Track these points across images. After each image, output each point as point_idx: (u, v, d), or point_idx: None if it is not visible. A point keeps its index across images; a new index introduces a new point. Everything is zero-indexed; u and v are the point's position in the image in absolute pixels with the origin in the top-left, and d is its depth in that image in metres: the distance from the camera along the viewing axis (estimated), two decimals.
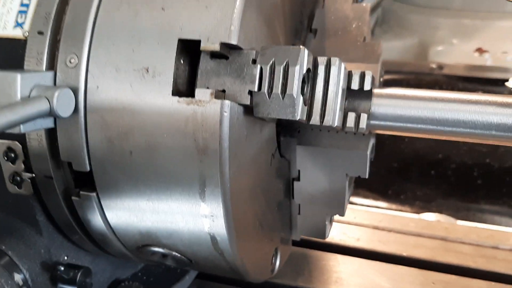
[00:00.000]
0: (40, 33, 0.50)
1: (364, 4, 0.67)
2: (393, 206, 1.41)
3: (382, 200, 1.44)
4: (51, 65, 0.49)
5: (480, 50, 1.48)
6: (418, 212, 1.24)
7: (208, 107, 0.44)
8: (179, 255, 0.55)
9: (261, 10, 0.49)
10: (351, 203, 1.43)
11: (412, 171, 1.48)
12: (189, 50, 0.46)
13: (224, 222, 0.48)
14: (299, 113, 0.47)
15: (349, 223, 0.92)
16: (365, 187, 1.44)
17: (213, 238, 0.51)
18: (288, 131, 0.65)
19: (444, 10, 1.65)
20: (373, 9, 2.26)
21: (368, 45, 0.64)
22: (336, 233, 0.89)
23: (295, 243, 0.77)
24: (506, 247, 0.86)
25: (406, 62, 1.51)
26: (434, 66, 1.43)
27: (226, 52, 0.45)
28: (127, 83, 0.46)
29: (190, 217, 0.50)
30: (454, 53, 1.50)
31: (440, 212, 1.30)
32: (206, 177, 0.46)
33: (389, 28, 1.82)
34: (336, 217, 0.92)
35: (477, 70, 1.49)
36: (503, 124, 0.56)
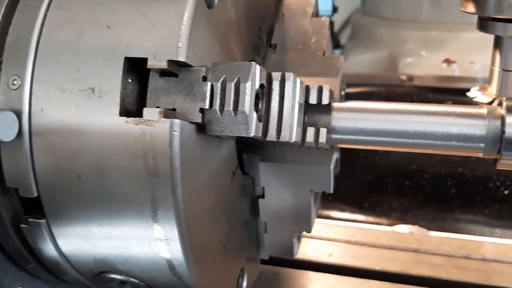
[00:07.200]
0: None
1: (323, 19, 0.67)
2: (370, 218, 1.40)
3: (358, 213, 1.43)
4: None
5: (447, 61, 1.50)
6: (394, 224, 1.23)
7: (157, 126, 0.43)
8: (137, 281, 0.53)
9: (212, 27, 0.48)
10: (327, 217, 1.42)
11: (387, 183, 1.48)
12: (137, 69, 0.45)
13: (180, 246, 0.46)
14: (253, 130, 0.46)
15: (321, 239, 0.90)
16: (342, 200, 1.43)
17: (169, 263, 0.48)
18: (251, 148, 0.63)
19: (412, 22, 1.68)
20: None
21: (328, 59, 0.63)
22: (309, 249, 0.87)
23: (267, 261, 0.75)
24: (477, 257, 0.85)
25: (376, 74, 1.52)
26: (404, 77, 1.44)
27: (175, 69, 0.44)
28: (72, 104, 0.44)
29: (145, 242, 0.47)
30: (423, 64, 1.53)
31: (416, 223, 1.29)
32: (158, 200, 0.44)
33: (359, 42, 1.84)
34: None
35: (446, 80, 1.51)
36: (463, 135, 0.55)
